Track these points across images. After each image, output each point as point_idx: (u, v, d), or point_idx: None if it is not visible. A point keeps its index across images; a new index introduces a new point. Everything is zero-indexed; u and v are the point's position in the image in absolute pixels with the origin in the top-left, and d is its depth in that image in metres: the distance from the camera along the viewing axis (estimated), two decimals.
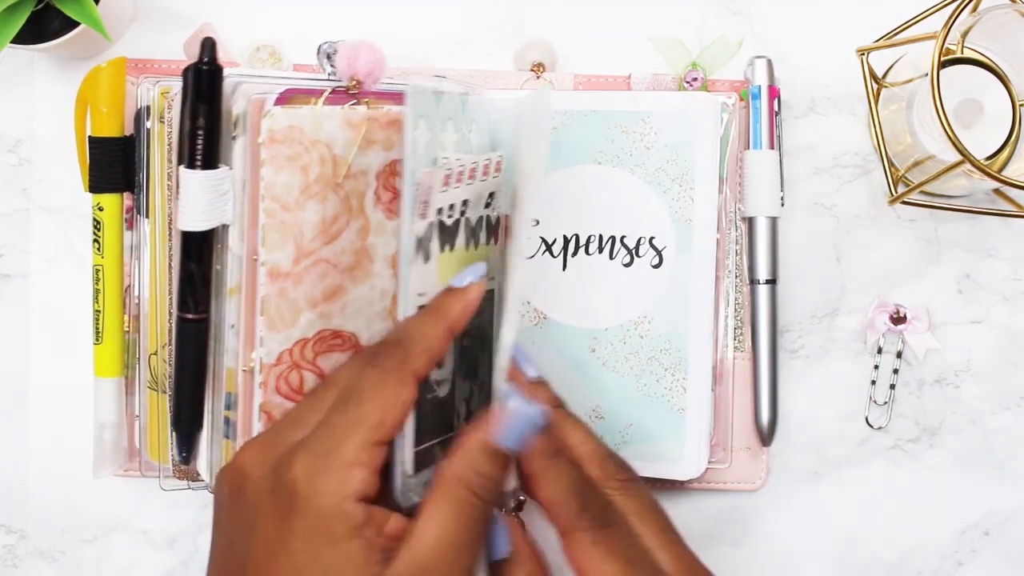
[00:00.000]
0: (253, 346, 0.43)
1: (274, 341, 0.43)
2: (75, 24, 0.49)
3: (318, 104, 0.43)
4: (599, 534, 0.39)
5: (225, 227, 0.44)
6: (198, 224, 0.43)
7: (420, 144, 0.42)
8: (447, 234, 0.43)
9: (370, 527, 0.37)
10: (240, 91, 0.43)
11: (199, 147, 0.43)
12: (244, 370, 0.43)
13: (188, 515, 0.54)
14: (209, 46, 0.43)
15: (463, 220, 0.44)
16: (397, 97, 0.46)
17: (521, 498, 0.49)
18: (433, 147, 0.43)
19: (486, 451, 0.39)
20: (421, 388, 0.41)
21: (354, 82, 0.45)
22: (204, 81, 0.42)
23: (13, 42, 0.48)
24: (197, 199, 0.43)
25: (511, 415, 0.40)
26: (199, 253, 0.44)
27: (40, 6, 0.49)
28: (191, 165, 0.43)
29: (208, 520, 0.54)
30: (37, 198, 0.54)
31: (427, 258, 0.42)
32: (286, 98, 0.42)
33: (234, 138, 0.43)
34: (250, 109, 0.42)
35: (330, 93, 0.44)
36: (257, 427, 0.43)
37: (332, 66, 0.46)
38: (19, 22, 0.47)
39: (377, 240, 0.45)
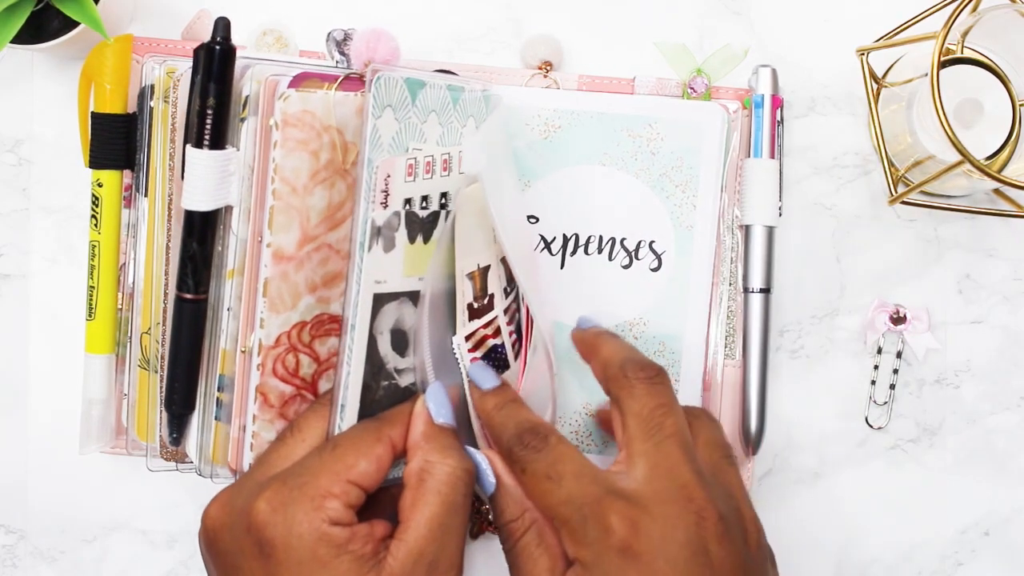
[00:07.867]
0: (252, 327, 0.43)
1: (274, 323, 0.43)
2: (75, 24, 0.49)
3: (332, 89, 0.43)
4: (651, 384, 0.41)
5: (228, 208, 0.44)
6: (202, 204, 0.43)
7: (385, 133, 0.42)
8: (419, 226, 0.43)
9: (356, 540, 0.38)
10: (249, 73, 0.43)
11: (207, 127, 0.42)
12: (242, 351, 0.44)
13: (188, 515, 0.54)
14: (223, 25, 0.43)
15: (443, 214, 0.44)
16: None
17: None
18: (405, 137, 0.43)
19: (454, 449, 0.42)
20: (376, 373, 0.42)
21: (369, 67, 0.44)
22: (217, 60, 0.42)
23: (13, 42, 0.48)
24: (202, 179, 0.43)
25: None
26: (202, 233, 0.44)
27: (40, 6, 0.49)
28: (198, 144, 0.43)
29: None
30: (37, 198, 0.54)
31: (390, 247, 0.42)
32: (299, 81, 0.42)
33: (242, 120, 0.43)
34: (263, 90, 0.42)
35: (343, 79, 0.44)
36: (252, 408, 0.44)
37: (341, 53, 0.45)
38: (19, 22, 0.47)
39: None
